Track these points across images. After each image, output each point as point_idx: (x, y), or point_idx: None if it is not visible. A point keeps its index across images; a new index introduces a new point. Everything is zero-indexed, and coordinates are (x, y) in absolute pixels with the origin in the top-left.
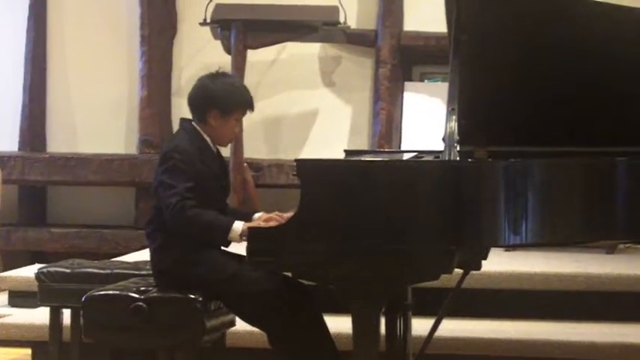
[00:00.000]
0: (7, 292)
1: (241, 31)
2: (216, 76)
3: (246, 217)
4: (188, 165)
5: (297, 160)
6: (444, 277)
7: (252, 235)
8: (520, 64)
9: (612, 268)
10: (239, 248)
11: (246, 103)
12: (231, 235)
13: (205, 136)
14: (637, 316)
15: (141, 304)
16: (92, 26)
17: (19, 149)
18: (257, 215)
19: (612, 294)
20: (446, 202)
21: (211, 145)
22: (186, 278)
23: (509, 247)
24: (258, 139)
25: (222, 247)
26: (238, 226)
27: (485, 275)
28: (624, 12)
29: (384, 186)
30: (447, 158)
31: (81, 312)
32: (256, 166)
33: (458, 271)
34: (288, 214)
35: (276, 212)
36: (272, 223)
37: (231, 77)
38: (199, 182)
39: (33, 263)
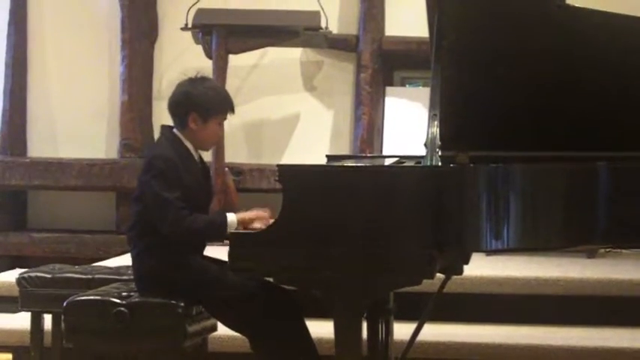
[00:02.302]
0: None
1: (222, 36)
2: (196, 81)
3: None
4: (173, 173)
5: (279, 166)
6: (425, 281)
7: (233, 240)
8: (502, 69)
9: (593, 273)
10: (220, 253)
11: (226, 106)
12: (229, 229)
13: (187, 143)
14: (617, 320)
15: (122, 309)
16: (73, 31)
17: (0, 154)
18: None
19: (593, 298)
20: (428, 207)
21: (193, 151)
22: (167, 283)
23: (491, 252)
24: (240, 143)
25: (204, 253)
26: (233, 218)
27: (467, 280)
28: (612, 17)
29: (366, 191)
30: (428, 163)
31: (62, 317)
32: (237, 170)
33: (440, 275)
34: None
35: (257, 209)
36: (256, 224)
37: (210, 81)
38: (182, 189)
39: (13, 268)
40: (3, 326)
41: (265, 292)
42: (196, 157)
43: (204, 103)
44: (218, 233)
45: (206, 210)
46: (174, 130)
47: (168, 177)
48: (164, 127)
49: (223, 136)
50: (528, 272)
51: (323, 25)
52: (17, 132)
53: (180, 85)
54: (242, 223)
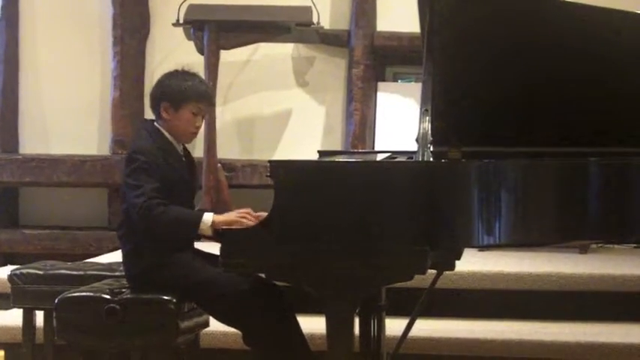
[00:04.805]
0: None
1: (214, 32)
2: (174, 73)
3: None
4: (152, 165)
5: (270, 161)
6: (417, 277)
7: (225, 237)
8: (493, 64)
9: (585, 268)
10: (212, 249)
11: (198, 94)
12: (202, 226)
13: (167, 135)
14: (610, 315)
15: (114, 305)
16: (64, 27)
17: None
18: None
19: (585, 293)
20: (419, 202)
21: (174, 143)
22: (159, 281)
23: (483, 248)
24: (232, 139)
25: (195, 249)
26: (208, 217)
27: (459, 275)
28: (602, 13)
29: (357, 187)
30: (420, 159)
31: (54, 314)
32: (230, 166)
33: (432, 271)
34: (260, 214)
35: (249, 210)
36: (246, 221)
37: (189, 73)
38: (164, 182)
39: (5, 265)
40: None
41: (257, 287)
42: (179, 150)
43: (175, 91)
44: (187, 229)
45: (189, 202)
46: (156, 123)
47: (146, 170)
48: (145, 121)
49: (215, 131)
50: (521, 268)
51: (315, 20)
52: (9, 129)
53: (159, 78)
54: (220, 225)
